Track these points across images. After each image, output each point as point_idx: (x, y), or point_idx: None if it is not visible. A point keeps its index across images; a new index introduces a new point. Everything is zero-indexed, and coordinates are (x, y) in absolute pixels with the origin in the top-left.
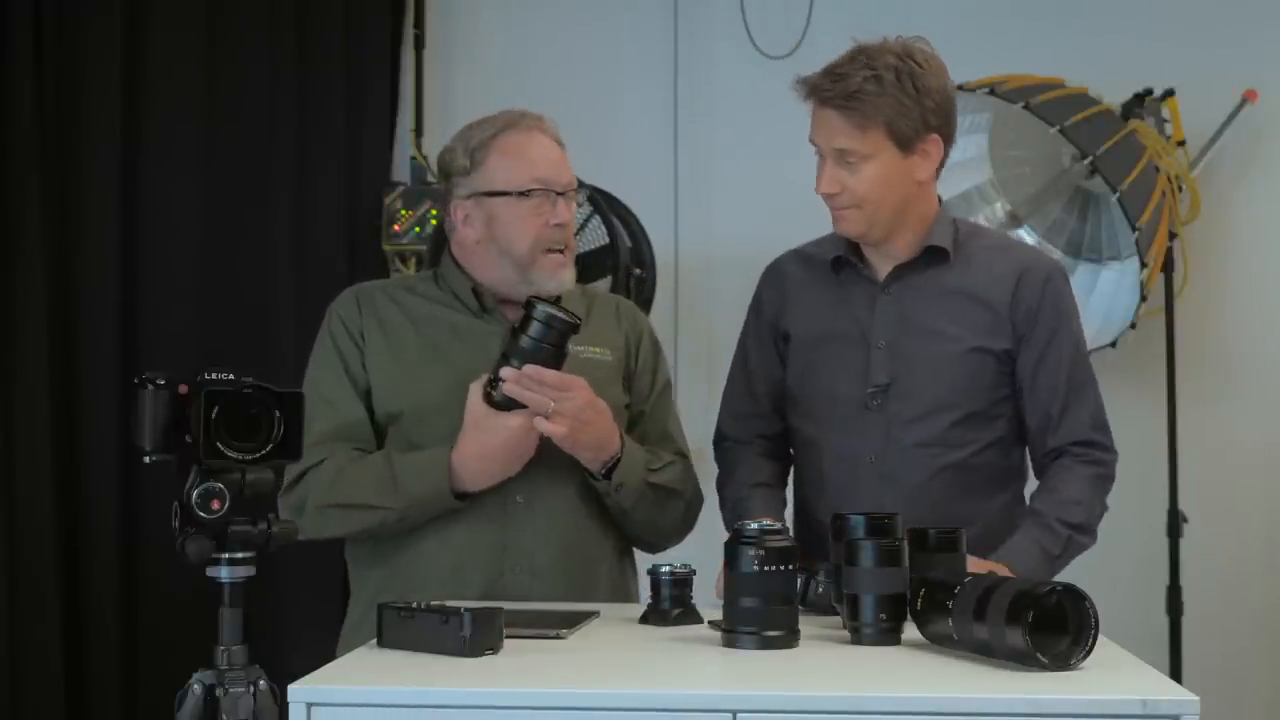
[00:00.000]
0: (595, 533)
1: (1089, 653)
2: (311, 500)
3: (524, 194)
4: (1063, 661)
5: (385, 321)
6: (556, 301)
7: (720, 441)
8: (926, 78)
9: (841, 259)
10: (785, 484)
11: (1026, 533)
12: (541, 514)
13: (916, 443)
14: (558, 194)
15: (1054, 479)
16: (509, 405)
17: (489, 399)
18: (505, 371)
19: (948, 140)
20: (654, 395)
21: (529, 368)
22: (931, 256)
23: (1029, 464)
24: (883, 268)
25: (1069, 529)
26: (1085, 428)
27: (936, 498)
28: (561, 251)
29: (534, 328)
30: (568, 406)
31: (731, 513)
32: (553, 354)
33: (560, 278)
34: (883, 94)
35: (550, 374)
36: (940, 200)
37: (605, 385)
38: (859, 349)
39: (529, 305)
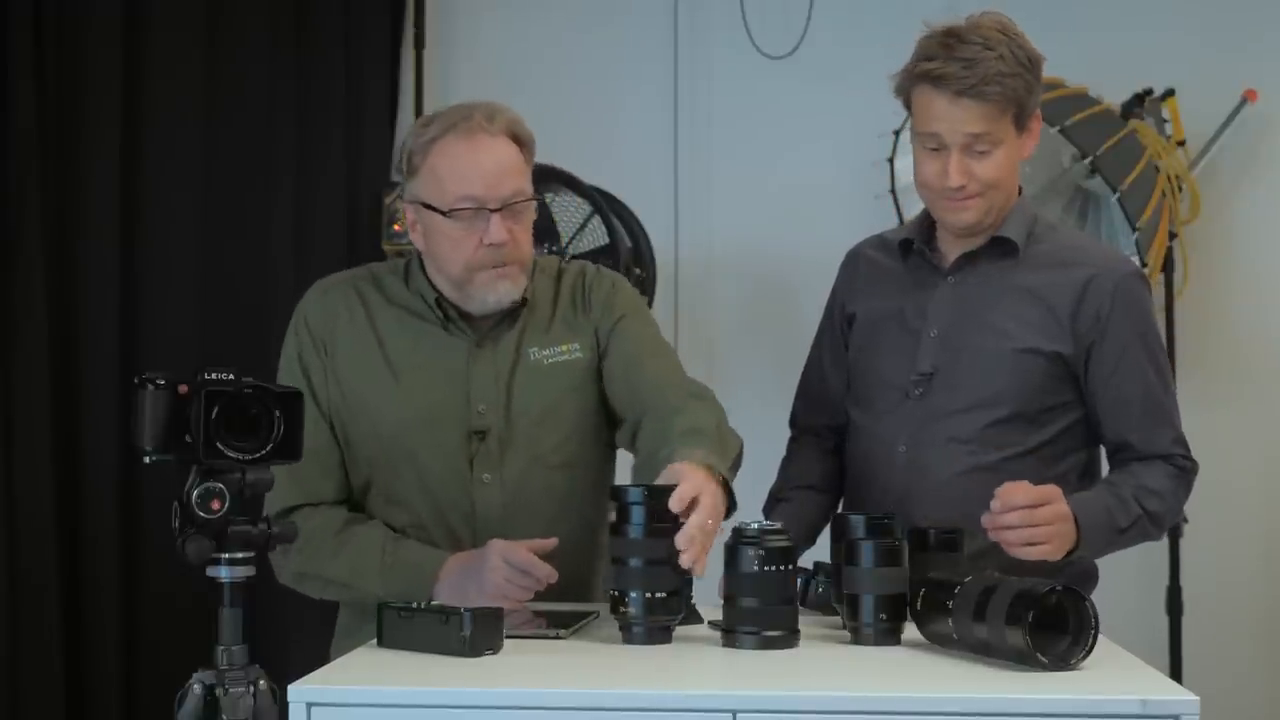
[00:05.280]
0: (589, 529)
1: (1089, 653)
2: (293, 565)
3: (447, 213)
4: (1063, 661)
5: (351, 334)
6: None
7: (791, 426)
8: (1030, 48)
9: (909, 243)
10: (837, 485)
11: (1099, 495)
12: (525, 510)
13: (950, 437)
14: (493, 210)
15: (1134, 466)
16: None
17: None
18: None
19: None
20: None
21: (693, 528)
22: (1000, 248)
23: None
24: (950, 254)
25: (1143, 510)
26: (1166, 443)
27: (964, 497)
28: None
29: (634, 514)
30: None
31: (765, 509)
32: (668, 529)
33: (498, 291)
34: (1013, 74)
35: (704, 524)
36: (1020, 190)
37: (578, 388)
38: (912, 335)
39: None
